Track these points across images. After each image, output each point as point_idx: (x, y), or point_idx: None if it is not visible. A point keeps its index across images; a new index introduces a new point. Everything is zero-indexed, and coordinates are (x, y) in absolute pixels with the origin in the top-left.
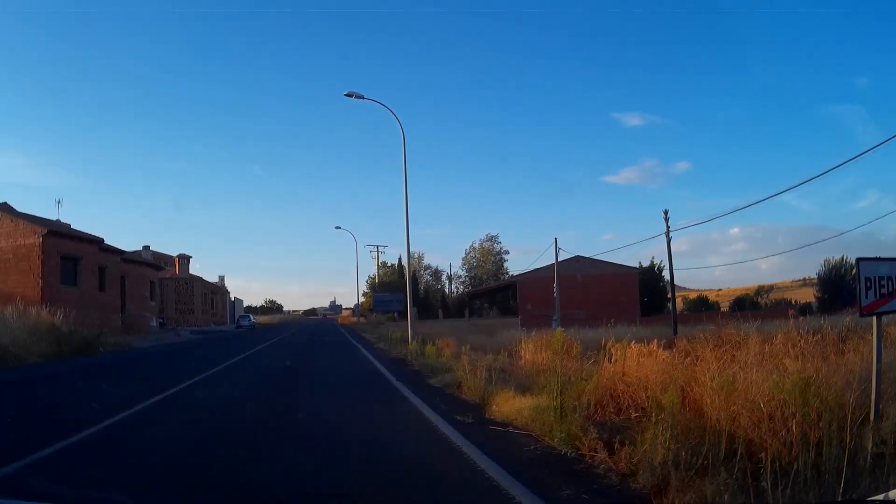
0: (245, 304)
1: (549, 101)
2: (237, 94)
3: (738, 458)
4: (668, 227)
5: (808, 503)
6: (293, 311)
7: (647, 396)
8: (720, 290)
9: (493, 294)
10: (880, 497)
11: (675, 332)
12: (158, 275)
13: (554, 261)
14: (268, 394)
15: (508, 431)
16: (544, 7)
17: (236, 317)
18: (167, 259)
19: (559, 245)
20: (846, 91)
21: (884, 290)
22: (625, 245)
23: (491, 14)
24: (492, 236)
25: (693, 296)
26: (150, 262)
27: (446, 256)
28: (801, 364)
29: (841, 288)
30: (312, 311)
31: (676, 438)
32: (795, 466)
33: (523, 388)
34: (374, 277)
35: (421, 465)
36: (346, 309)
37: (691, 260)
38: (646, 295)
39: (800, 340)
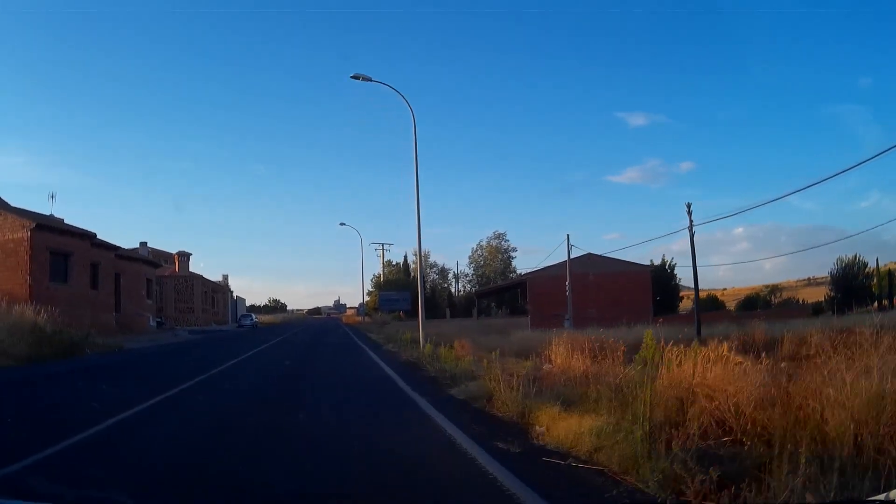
0: (248, 304)
1: (552, 101)
2: (239, 93)
3: None
4: (691, 221)
5: (809, 503)
6: (297, 310)
7: (735, 412)
8: (724, 289)
9: (501, 293)
10: (881, 497)
11: (700, 332)
12: (157, 272)
13: (564, 259)
14: (261, 411)
15: (571, 466)
16: (547, 7)
17: (238, 316)
18: (166, 256)
19: (570, 243)
20: (848, 91)
21: None
22: (642, 241)
23: (492, 14)
24: (499, 234)
25: (703, 295)
26: (146, 259)
27: (450, 256)
28: None
29: (854, 287)
30: (317, 311)
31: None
32: None
33: (567, 402)
34: (380, 276)
35: None
36: (351, 308)
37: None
38: (658, 294)
39: None
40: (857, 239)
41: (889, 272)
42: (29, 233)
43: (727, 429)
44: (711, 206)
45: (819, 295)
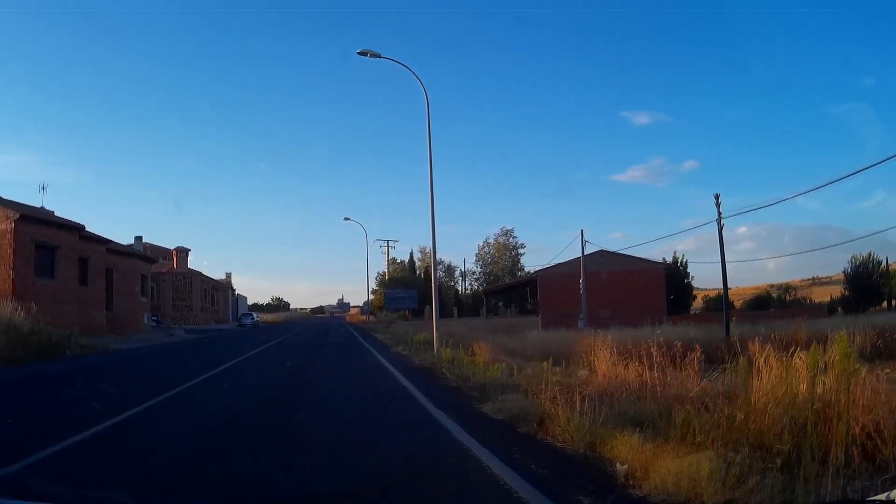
0: (251, 302)
1: (555, 100)
2: (242, 91)
3: None
4: (719, 213)
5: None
6: (300, 309)
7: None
8: (728, 289)
9: (509, 291)
10: (881, 497)
11: (728, 333)
12: (155, 269)
13: (574, 256)
14: (246, 437)
15: None
16: (549, 6)
17: (239, 315)
18: (165, 253)
19: (583, 239)
20: (852, 90)
21: None
22: (658, 238)
23: (494, 14)
24: (507, 231)
25: (712, 294)
26: (140, 254)
27: (454, 254)
28: None
29: (868, 285)
30: (320, 310)
31: None
32: None
33: (636, 423)
34: (384, 274)
35: None
36: (355, 307)
37: (696, 257)
38: (670, 292)
39: None
40: (862, 239)
41: None
42: (13, 224)
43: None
44: (713, 205)
45: (824, 294)
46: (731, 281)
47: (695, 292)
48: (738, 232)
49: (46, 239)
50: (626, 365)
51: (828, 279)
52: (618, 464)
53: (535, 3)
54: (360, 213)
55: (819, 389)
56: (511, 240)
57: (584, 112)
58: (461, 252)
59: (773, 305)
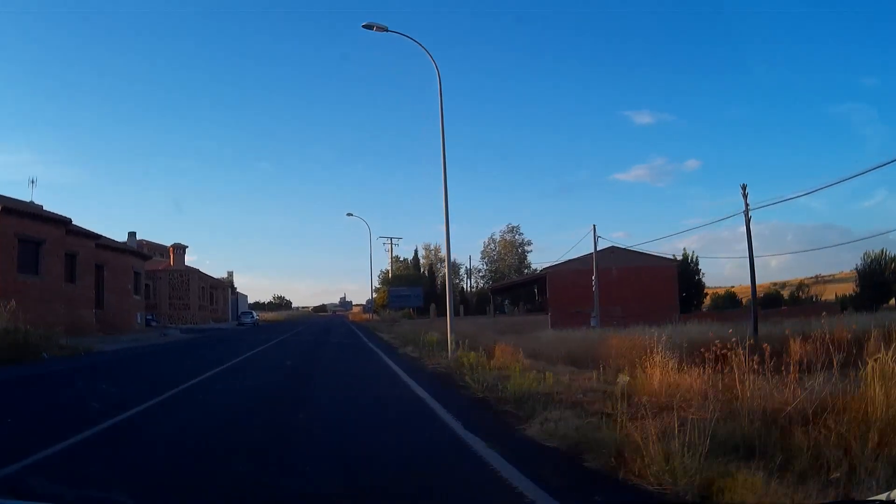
0: (253, 301)
1: (556, 99)
2: (242, 91)
3: None
4: (746, 204)
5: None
6: (303, 307)
7: None
8: (732, 287)
9: (516, 289)
10: (882, 497)
11: (756, 331)
12: (151, 266)
13: (583, 253)
14: (223, 470)
15: None
16: (550, 6)
17: (238, 314)
18: (163, 250)
19: (596, 235)
20: (853, 90)
21: None
22: (669, 234)
23: (495, 13)
24: (513, 227)
25: (720, 291)
26: (133, 250)
27: (457, 252)
28: None
29: (881, 282)
30: (322, 308)
31: None
32: None
33: (743, 451)
34: (387, 272)
35: None
36: (357, 305)
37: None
38: (681, 290)
39: None
40: (875, 237)
41: None
42: None
43: None
44: (715, 205)
45: (828, 292)
46: (733, 280)
47: (706, 290)
48: (740, 231)
49: (30, 233)
50: (684, 369)
51: (831, 277)
52: None
53: (535, 3)
54: (362, 212)
55: None
56: (518, 236)
57: (585, 111)
58: (462, 251)
59: (784, 303)
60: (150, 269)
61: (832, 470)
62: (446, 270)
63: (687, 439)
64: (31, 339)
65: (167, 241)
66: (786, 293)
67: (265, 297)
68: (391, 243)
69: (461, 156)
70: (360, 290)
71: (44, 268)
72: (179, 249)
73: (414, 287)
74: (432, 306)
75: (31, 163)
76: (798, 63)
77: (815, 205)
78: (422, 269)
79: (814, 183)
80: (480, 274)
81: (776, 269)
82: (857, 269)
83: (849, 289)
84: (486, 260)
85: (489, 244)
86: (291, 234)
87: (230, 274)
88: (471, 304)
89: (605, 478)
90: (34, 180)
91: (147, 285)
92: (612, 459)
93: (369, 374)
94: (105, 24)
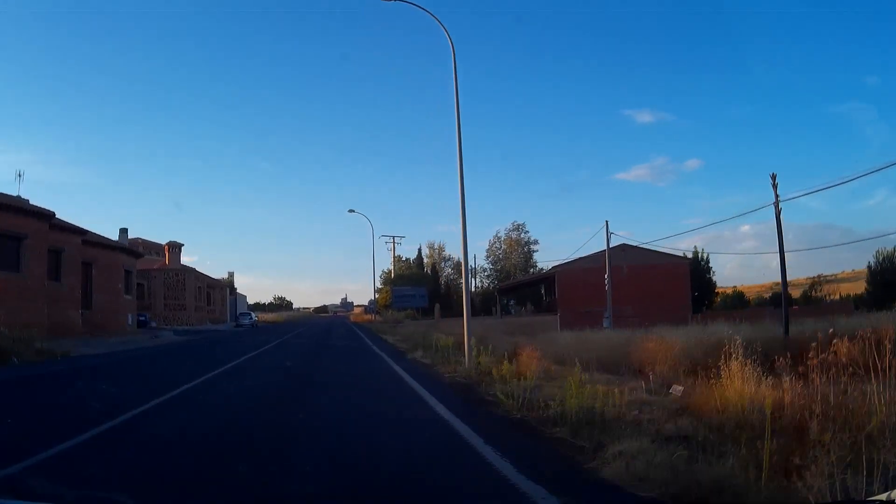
0: (253, 302)
1: (556, 99)
2: (243, 90)
3: None
4: (776, 195)
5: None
6: (303, 308)
7: None
8: (734, 286)
9: (522, 289)
10: (882, 497)
11: (787, 332)
12: (145, 265)
13: (592, 251)
14: None
15: None
16: (550, 6)
17: (237, 314)
18: (159, 249)
19: (609, 231)
20: (854, 89)
21: None
22: (681, 232)
23: (496, 12)
24: (518, 225)
25: (728, 291)
26: (124, 247)
27: (459, 252)
28: None
29: (894, 280)
30: (323, 309)
31: None
32: None
33: None
34: (390, 272)
35: None
36: (359, 306)
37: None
38: (693, 289)
39: None
40: (863, 238)
41: None
42: None
43: None
44: (716, 204)
45: (833, 292)
46: (735, 280)
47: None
48: (741, 231)
49: (9, 227)
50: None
51: (833, 277)
52: None
53: (534, 3)
54: (364, 211)
55: None
56: (523, 235)
57: (585, 111)
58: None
59: (793, 303)
60: (144, 268)
61: None
62: (463, 266)
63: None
64: (2, 342)
65: (165, 240)
66: (794, 293)
67: (266, 298)
68: (394, 242)
69: (465, 156)
70: (361, 290)
71: (25, 265)
72: (175, 248)
73: (418, 287)
74: (437, 306)
75: (30, 163)
76: (798, 62)
77: (814, 204)
78: (425, 269)
79: (814, 182)
80: (486, 273)
81: (776, 269)
82: (869, 266)
83: (852, 288)
84: (491, 259)
85: (494, 243)
86: (292, 234)
87: (231, 274)
88: (476, 305)
89: None
90: (21, 174)
91: (141, 285)
92: None
93: (377, 386)
94: (105, 24)
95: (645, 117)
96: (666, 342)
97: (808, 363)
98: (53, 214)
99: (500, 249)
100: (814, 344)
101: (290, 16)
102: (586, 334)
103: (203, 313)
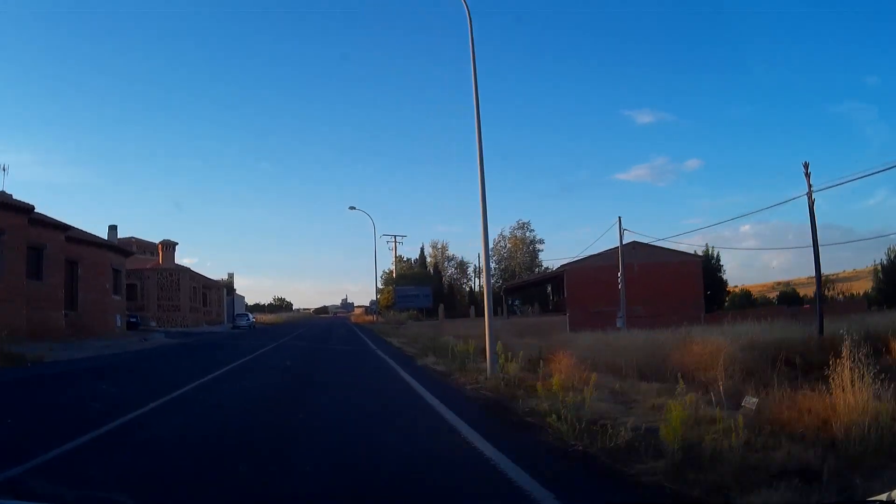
0: (253, 302)
1: (556, 99)
2: (243, 90)
3: None
4: (809, 185)
5: (809, 503)
6: (304, 309)
7: None
8: (736, 286)
9: (528, 289)
10: (882, 497)
11: (822, 332)
12: (137, 264)
13: (598, 249)
14: None
15: None
16: (550, 6)
17: (234, 315)
18: (151, 248)
19: (622, 228)
20: (855, 89)
21: None
22: (693, 230)
23: (496, 12)
24: (523, 223)
25: (735, 290)
26: (112, 245)
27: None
28: None
29: None
30: (324, 310)
31: None
32: None
33: None
34: (391, 272)
35: None
36: (359, 307)
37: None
38: (705, 288)
39: None
40: (864, 236)
41: None
42: None
43: None
44: (717, 204)
45: (836, 291)
46: (735, 280)
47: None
48: (742, 230)
49: None
50: None
51: (835, 276)
52: None
53: (535, 3)
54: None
55: None
56: (528, 233)
57: (585, 111)
58: (468, 250)
59: (804, 302)
60: (137, 267)
61: None
62: (483, 260)
63: None
64: None
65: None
66: (802, 292)
67: (266, 299)
68: (395, 241)
69: (461, 155)
70: (361, 291)
71: (2, 262)
72: (169, 247)
73: (422, 286)
74: (441, 307)
75: (31, 163)
76: (799, 62)
77: (815, 203)
78: (428, 268)
79: (815, 181)
80: (490, 273)
81: (777, 269)
82: (882, 264)
83: (855, 287)
84: (495, 258)
85: (499, 241)
86: (293, 235)
87: (231, 276)
88: (481, 306)
89: None
90: (5, 168)
91: (134, 285)
92: None
93: (387, 399)
94: (105, 25)
95: (645, 117)
96: (712, 344)
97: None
98: (33, 208)
99: (504, 248)
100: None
101: (291, 16)
102: (608, 336)
103: (199, 314)
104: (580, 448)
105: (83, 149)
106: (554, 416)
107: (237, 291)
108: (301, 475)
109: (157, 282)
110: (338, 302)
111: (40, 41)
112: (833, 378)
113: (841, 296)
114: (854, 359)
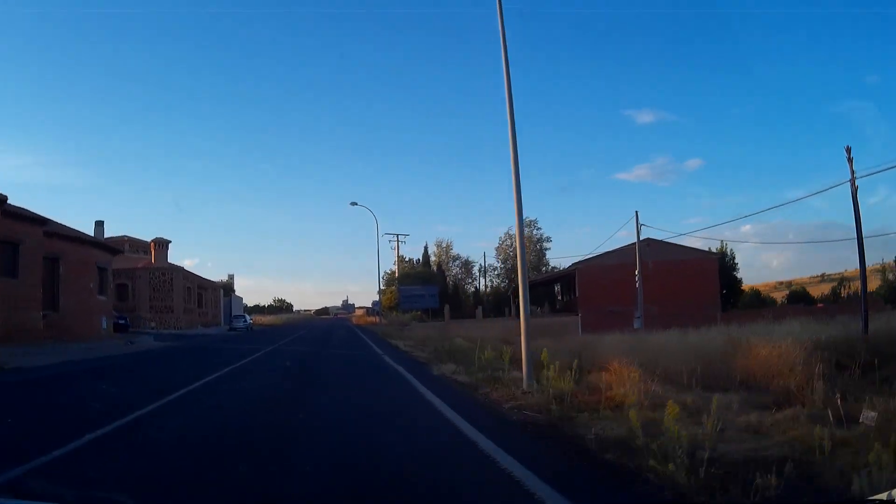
0: (253, 304)
1: (556, 99)
2: (243, 90)
3: None
4: (852, 171)
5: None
6: (304, 310)
7: None
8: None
9: (536, 288)
10: (882, 497)
11: (867, 330)
12: (129, 263)
13: (612, 248)
14: None
15: None
16: (552, 5)
17: (231, 317)
18: (144, 246)
19: (639, 223)
20: (855, 88)
21: None
22: (708, 226)
23: (493, 13)
24: (530, 221)
25: (745, 288)
26: (97, 242)
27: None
28: None
29: None
30: (324, 311)
31: None
32: None
33: None
34: (394, 272)
35: None
36: (360, 308)
37: None
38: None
39: None
40: (866, 234)
41: None
42: None
43: None
44: (717, 204)
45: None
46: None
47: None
48: (742, 230)
49: None
50: None
51: (839, 276)
52: None
53: (535, 3)
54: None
55: None
56: (535, 232)
57: (586, 111)
58: (473, 249)
59: (815, 301)
60: (128, 266)
61: None
62: (518, 251)
63: None
64: None
65: (173, 244)
66: (812, 291)
67: (266, 300)
68: (398, 240)
69: (460, 155)
70: (362, 291)
71: None
72: (162, 245)
73: (428, 286)
74: (447, 308)
75: (30, 164)
76: (799, 62)
77: (816, 203)
78: (432, 268)
79: (816, 181)
80: (496, 272)
81: (778, 269)
82: (893, 261)
83: (856, 285)
84: (501, 257)
85: (505, 240)
86: (293, 235)
87: (231, 277)
88: (487, 306)
89: None
90: None
91: (125, 285)
92: None
93: (408, 431)
94: (105, 24)
95: (646, 117)
96: (781, 348)
97: None
98: (5, 199)
99: (510, 247)
100: None
101: (291, 16)
102: (631, 337)
103: (193, 316)
104: None
105: (82, 149)
106: (657, 456)
107: (237, 292)
108: None
109: (149, 281)
110: (339, 303)
111: (40, 41)
112: None
113: (853, 294)
114: None
